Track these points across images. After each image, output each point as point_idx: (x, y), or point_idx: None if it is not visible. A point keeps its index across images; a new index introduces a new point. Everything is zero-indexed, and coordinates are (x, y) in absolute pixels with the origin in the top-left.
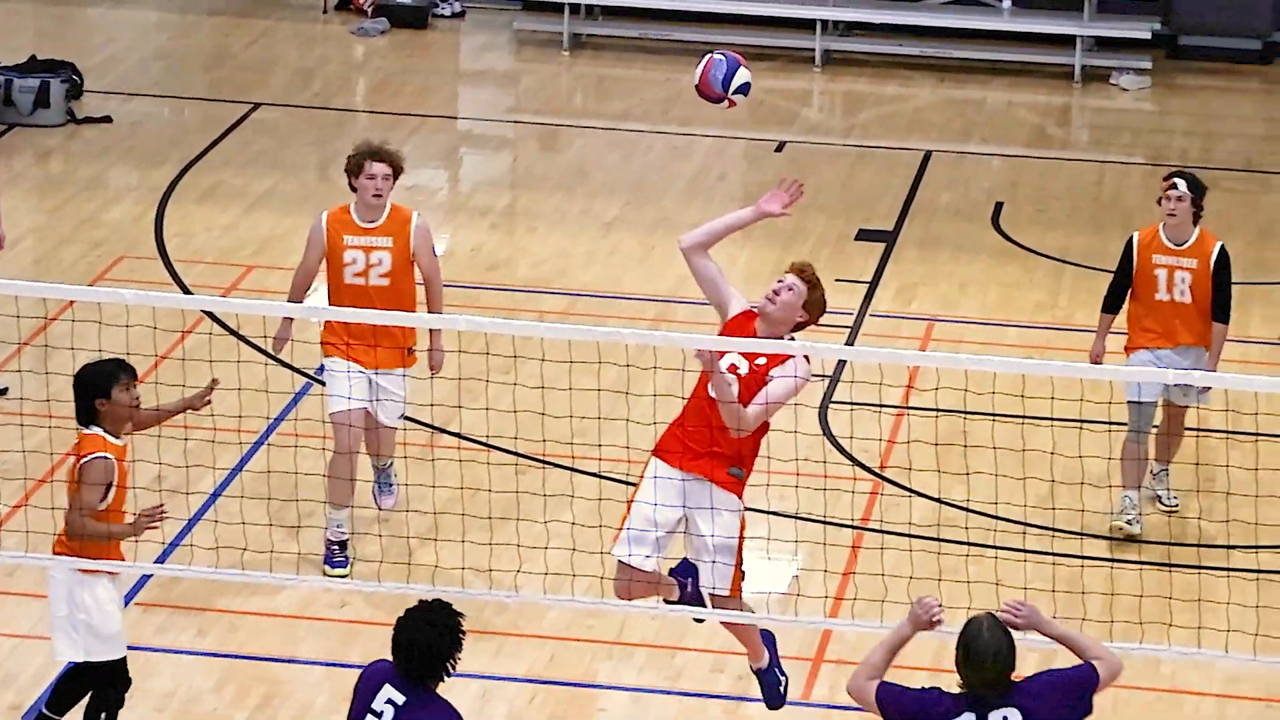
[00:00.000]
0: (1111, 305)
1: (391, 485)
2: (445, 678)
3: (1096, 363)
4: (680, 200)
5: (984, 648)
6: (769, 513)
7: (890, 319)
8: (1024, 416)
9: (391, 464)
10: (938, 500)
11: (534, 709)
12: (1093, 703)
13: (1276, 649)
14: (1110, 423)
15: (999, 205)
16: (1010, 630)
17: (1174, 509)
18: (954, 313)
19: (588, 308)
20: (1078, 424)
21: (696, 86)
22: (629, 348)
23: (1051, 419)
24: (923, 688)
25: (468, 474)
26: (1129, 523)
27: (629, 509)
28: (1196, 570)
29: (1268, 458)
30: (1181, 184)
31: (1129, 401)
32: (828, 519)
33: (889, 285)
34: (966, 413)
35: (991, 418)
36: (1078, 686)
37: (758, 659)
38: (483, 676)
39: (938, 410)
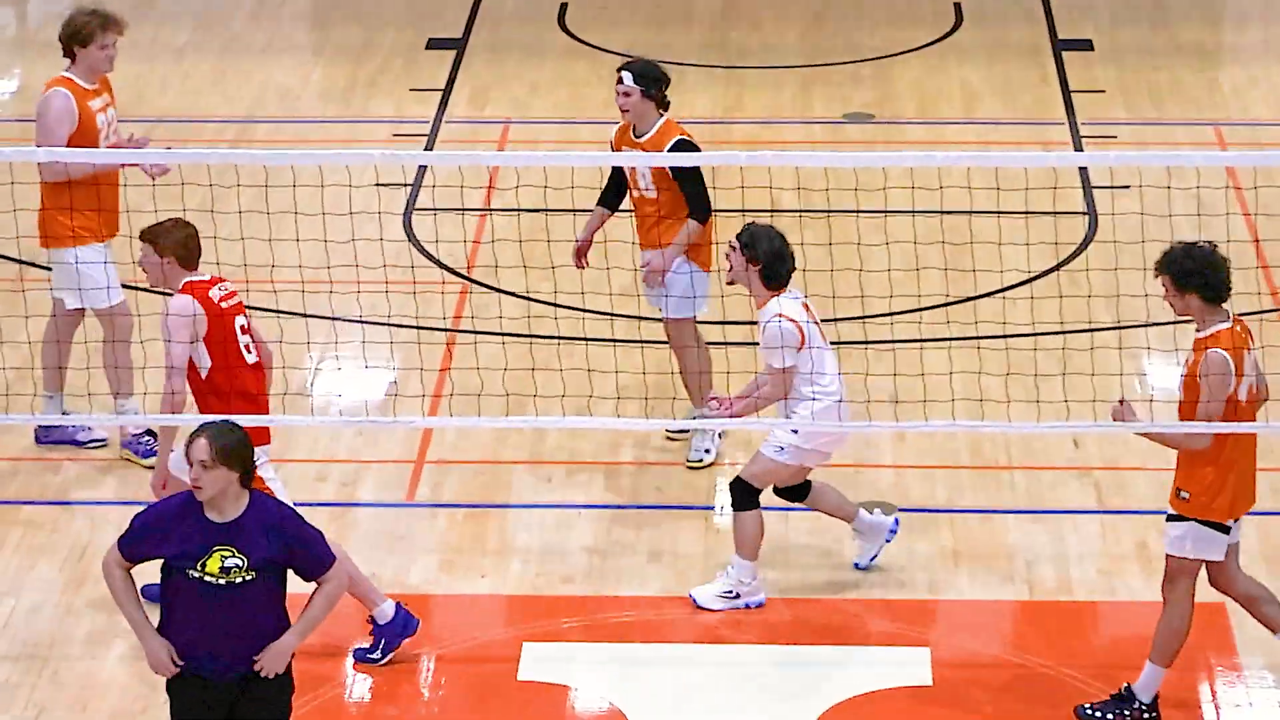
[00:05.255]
0: (607, 201)
1: None
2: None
3: (580, 254)
4: (248, 21)
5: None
6: (361, 321)
7: (466, 124)
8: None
9: None
10: (525, 297)
11: None
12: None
13: None
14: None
15: (564, 6)
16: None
17: (700, 464)
18: (527, 114)
19: (167, 133)
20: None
21: None
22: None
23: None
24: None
25: None
26: None
27: None
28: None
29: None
30: (627, 77)
31: None
32: (420, 324)
33: (462, 91)
34: (548, 211)
35: (572, 212)
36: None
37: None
38: None
39: (519, 209)
